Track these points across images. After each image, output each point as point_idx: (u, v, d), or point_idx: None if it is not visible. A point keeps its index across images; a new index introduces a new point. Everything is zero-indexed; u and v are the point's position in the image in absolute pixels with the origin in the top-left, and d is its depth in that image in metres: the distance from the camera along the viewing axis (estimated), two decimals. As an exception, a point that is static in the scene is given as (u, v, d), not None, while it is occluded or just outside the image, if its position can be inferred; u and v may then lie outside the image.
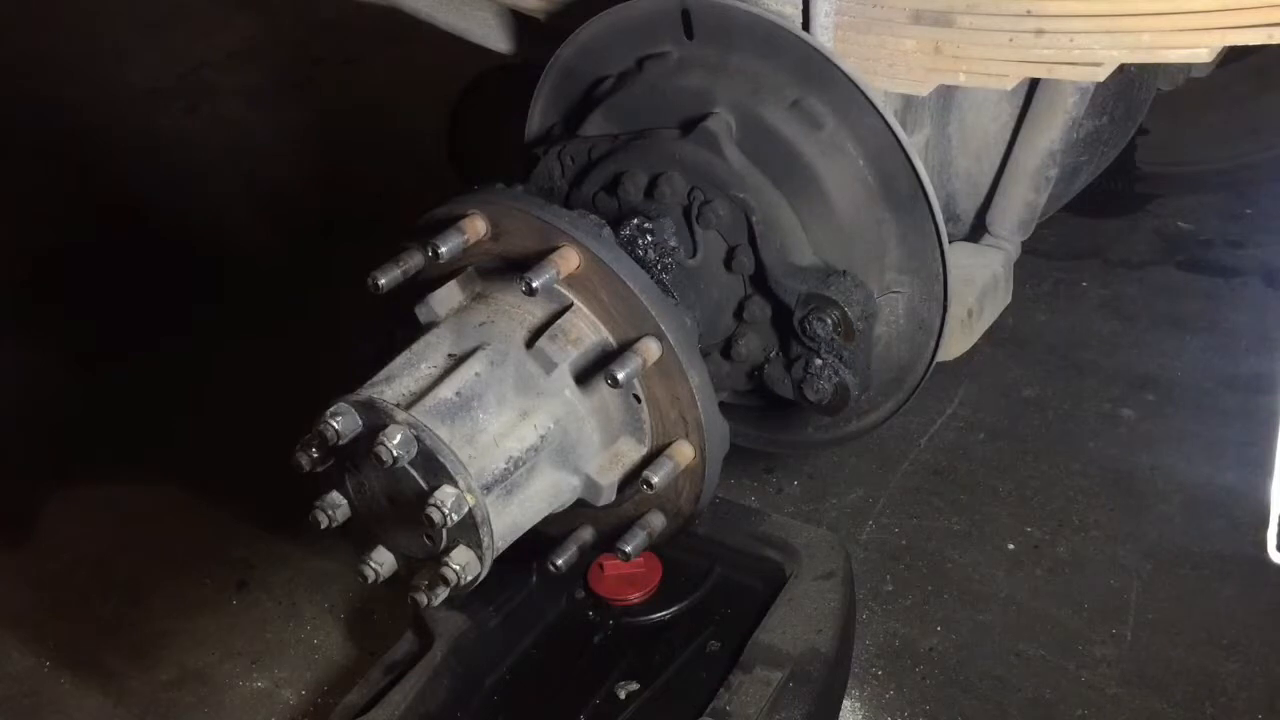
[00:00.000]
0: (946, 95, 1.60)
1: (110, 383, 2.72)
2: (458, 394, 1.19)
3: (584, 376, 1.25)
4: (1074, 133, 1.63)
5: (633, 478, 1.27)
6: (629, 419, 1.29)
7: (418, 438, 1.12)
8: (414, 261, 1.24)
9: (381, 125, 3.68)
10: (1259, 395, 2.36)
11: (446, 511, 1.11)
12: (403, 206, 1.40)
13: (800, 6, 1.35)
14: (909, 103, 1.54)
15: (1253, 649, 1.86)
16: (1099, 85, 1.58)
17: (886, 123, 1.29)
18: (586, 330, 1.25)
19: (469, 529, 1.15)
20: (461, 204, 1.27)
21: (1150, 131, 2.70)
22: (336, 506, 1.21)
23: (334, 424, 1.13)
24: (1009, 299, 1.68)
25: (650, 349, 1.20)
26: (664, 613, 1.71)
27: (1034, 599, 2.00)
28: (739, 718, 1.49)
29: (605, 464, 1.29)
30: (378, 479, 1.18)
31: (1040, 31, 1.28)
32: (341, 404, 1.15)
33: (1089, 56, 1.27)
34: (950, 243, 1.36)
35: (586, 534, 1.36)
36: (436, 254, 1.22)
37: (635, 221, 1.34)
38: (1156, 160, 2.95)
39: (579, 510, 1.33)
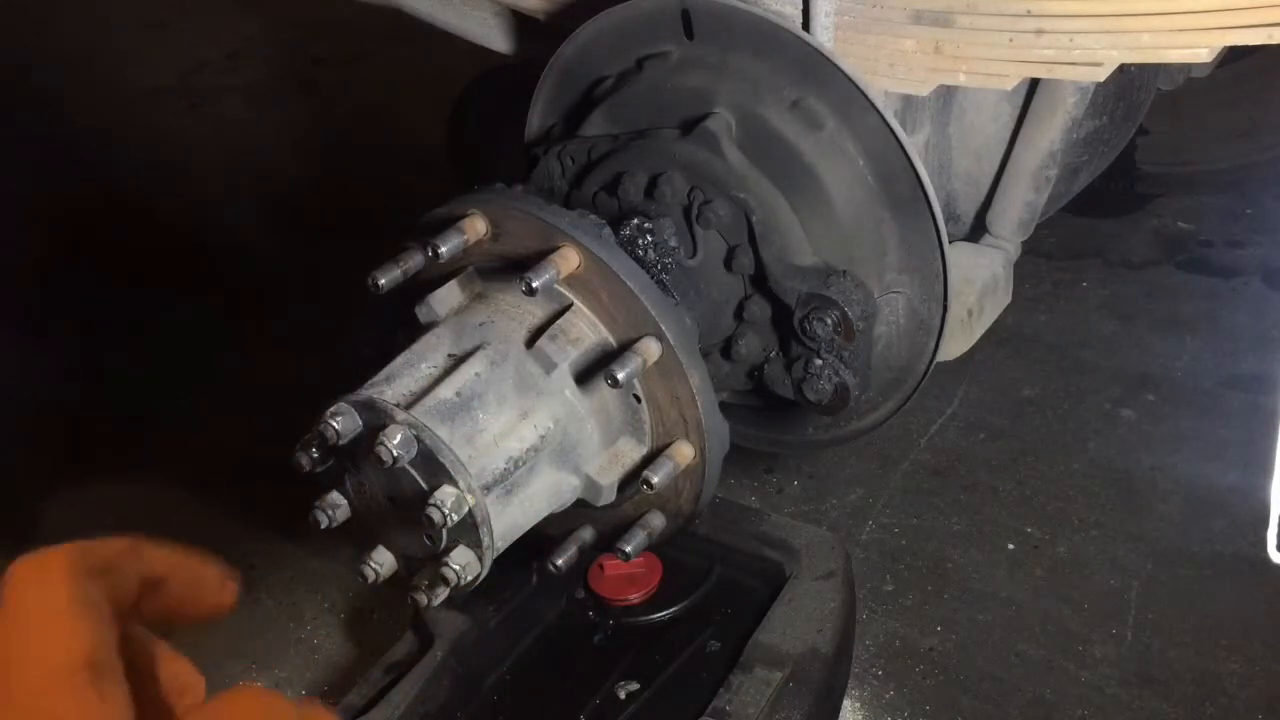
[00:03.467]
0: (946, 95, 1.60)
1: (110, 382, 2.72)
2: (458, 394, 1.19)
3: (584, 376, 1.25)
4: (1074, 133, 1.63)
5: (633, 478, 1.27)
6: (629, 419, 1.29)
7: (418, 438, 1.12)
8: (414, 261, 1.24)
9: (382, 125, 3.68)
10: (1259, 395, 2.36)
11: (446, 511, 1.11)
12: (403, 206, 1.40)
13: (800, 6, 1.35)
14: (909, 103, 1.54)
15: (1253, 649, 1.86)
16: (1099, 85, 1.58)
17: (886, 123, 1.29)
18: (586, 330, 1.25)
19: (469, 529, 1.15)
20: (461, 204, 1.27)
21: (1150, 131, 2.70)
22: (336, 506, 1.21)
23: (334, 424, 1.13)
24: (1009, 299, 1.68)
25: (650, 349, 1.20)
26: (664, 613, 1.71)
27: (1034, 599, 2.00)
28: (739, 718, 1.49)
29: (605, 464, 1.29)
30: (378, 479, 1.18)
31: (1040, 31, 1.28)
32: (341, 404, 1.15)
33: (1089, 56, 1.27)
34: (950, 243, 1.36)
35: (586, 534, 1.36)
36: (436, 254, 1.22)
37: (635, 221, 1.34)
38: (1156, 160, 2.95)
39: (579, 510, 1.33)
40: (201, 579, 0.70)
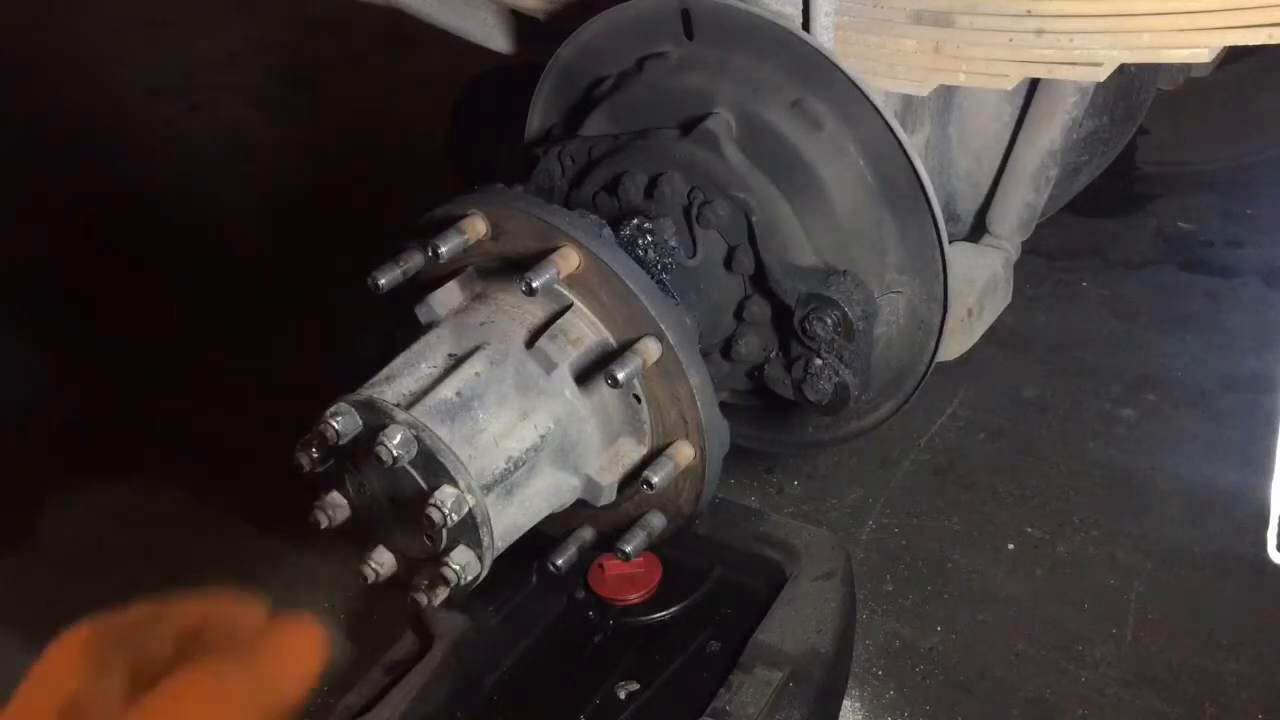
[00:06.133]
0: (946, 95, 1.60)
1: (110, 382, 2.72)
2: (458, 394, 1.19)
3: (584, 376, 1.25)
4: (1074, 133, 1.63)
5: (633, 478, 1.27)
6: (629, 419, 1.29)
7: (418, 438, 1.12)
8: (414, 261, 1.24)
9: (382, 125, 3.68)
10: (1259, 395, 2.36)
11: (446, 511, 1.11)
12: (403, 206, 1.40)
13: (800, 6, 1.35)
14: (909, 103, 1.54)
15: (1253, 649, 1.86)
16: (1099, 85, 1.58)
17: (887, 123, 1.29)
18: (586, 330, 1.25)
19: (469, 529, 1.15)
20: (461, 204, 1.27)
21: (1150, 131, 2.70)
22: (336, 506, 1.21)
23: (334, 424, 1.13)
24: (1009, 299, 1.68)
25: (650, 349, 1.20)
26: (664, 613, 1.70)
27: (1034, 599, 2.00)
28: (739, 718, 1.49)
29: (605, 464, 1.29)
30: (378, 479, 1.18)
31: (1040, 31, 1.28)
32: (341, 404, 1.15)
33: (1089, 56, 1.27)
34: (950, 243, 1.36)
35: (586, 534, 1.36)
36: (436, 254, 1.22)
37: (635, 221, 1.34)
38: (1156, 160, 2.95)
39: (579, 510, 1.33)
40: (233, 612, 0.77)
